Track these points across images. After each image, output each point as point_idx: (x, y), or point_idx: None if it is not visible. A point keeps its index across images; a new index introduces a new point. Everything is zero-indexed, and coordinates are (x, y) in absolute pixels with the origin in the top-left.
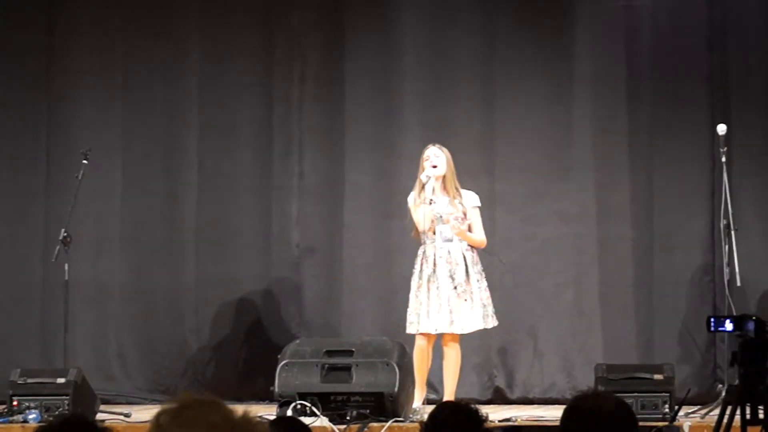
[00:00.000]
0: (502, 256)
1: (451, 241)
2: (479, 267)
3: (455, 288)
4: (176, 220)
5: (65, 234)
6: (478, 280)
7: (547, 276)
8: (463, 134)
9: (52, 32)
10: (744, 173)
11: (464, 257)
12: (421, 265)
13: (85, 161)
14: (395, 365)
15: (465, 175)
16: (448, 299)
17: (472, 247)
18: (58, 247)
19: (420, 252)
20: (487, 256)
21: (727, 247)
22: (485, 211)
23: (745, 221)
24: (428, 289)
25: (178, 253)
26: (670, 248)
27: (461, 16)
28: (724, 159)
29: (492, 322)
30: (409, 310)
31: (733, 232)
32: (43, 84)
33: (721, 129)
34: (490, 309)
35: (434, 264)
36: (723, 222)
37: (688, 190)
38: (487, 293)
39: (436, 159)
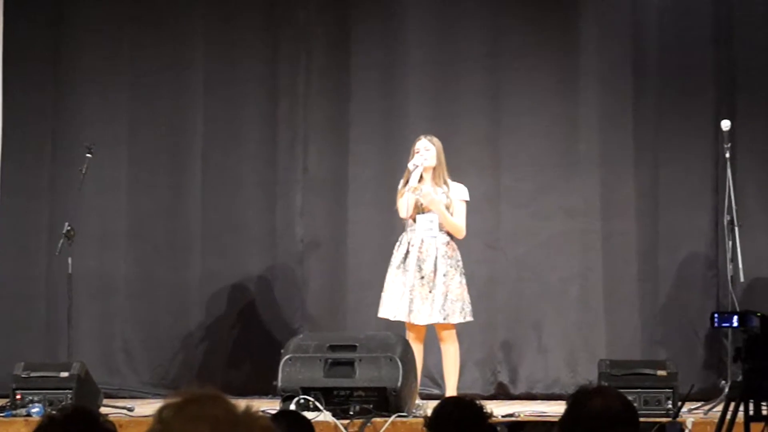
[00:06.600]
0: (506, 250)
1: (431, 231)
2: (454, 261)
3: (422, 278)
4: (181, 214)
5: (69, 227)
6: (445, 274)
7: (552, 271)
8: (469, 129)
9: (59, 26)
10: (748, 169)
11: (437, 249)
12: (397, 251)
13: (89, 155)
14: (398, 360)
15: (471, 169)
16: (411, 288)
17: (449, 240)
18: (61, 241)
19: (399, 239)
20: (490, 249)
21: (730, 242)
22: (491, 206)
23: (749, 217)
24: (395, 275)
25: (182, 247)
26: (674, 244)
27: (467, 10)
28: (728, 155)
29: (457, 318)
30: (382, 294)
31: (737, 228)
32: (50, 78)
33: (725, 125)
34: (459, 304)
35: (407, 252)
36: (727, 217)
37: (692, 185)
38: (461, 289)
39: (426, 151)
